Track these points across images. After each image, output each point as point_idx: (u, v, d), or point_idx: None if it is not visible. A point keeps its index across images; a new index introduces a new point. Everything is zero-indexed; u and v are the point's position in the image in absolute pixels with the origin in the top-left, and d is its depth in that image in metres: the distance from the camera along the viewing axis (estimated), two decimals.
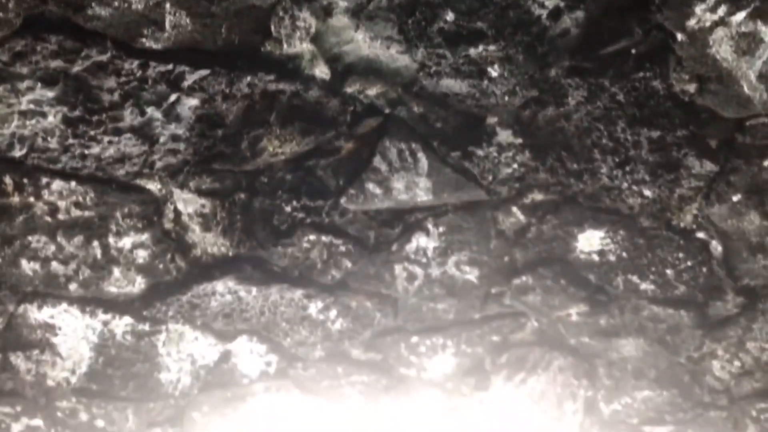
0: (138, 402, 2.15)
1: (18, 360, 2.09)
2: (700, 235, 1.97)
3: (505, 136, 1.87)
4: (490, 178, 1.93)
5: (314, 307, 2.12)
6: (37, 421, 2.13)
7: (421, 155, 1.90)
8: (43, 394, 2.12)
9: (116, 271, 2.03)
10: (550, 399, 2.18)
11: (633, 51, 1.74)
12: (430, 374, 2.20)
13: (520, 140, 1.87)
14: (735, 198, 1.89)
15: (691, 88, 1.76)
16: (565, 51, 1.75)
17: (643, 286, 2.05)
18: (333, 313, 2.14)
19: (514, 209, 1.98)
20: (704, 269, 2.02)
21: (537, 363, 2.17)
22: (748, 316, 2.06)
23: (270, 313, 2.12)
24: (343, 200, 1.95)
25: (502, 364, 2.18)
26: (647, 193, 1.91)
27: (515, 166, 1.91)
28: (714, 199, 1.90)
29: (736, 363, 2.10)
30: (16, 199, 1.87)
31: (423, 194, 1.95)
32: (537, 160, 1.89)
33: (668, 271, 2.02)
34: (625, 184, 1.90)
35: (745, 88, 1.72)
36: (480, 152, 1.89)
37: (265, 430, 2.24)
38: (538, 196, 1.96)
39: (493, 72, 1.76)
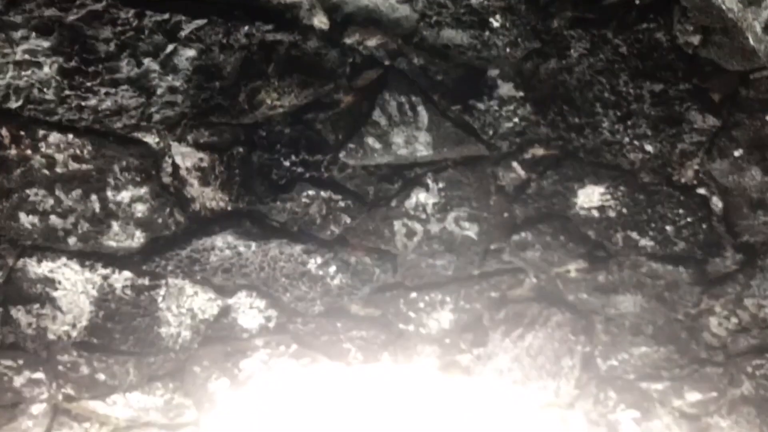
0: (138, 356, 2.16)
1: (19, 314, 2.10)
2: (701, 191, 1.97)
3: (506, 89, 1.85)
4: (491, 132, 1.91)
5: (313, 263, 2.12)
6: (39, 375, 2.14)
7: (421, 108, 1.88)
8: (44, 348, 2.13)
9: (115, 225, 2.02)
10: (548, 355, 2.20)
11: (637, 1, 1.71)
12: (428, 330, 2.21)
13: (521, 93, 1.85)
14: (737, 153, 1.87)
15: (695, 39, 1.73)
16: (568, 1, 1.72)
17: (643, 242, 2.05)
18: (332, 268, 2.14)
19: (515, 164, 1.97)
20: (704, 225, 2.02)
21: (535, 319, 2.18)
22: (747, 273, 2.06)
23: (269, 268, 2.13)
24: (342, 155, 1.93)
25: (500, 320, 2.19)
26: (648, 148, 1.89)
27: (516, 120, 1.89)
28: (716, 154, 1.89)
29: (734, 320, 2.11)
30: (13, 151, 1.85)
31: (423, 149, 1.94)
32: (538, 114, 1.88)
33: (668, 228, 2.02)
34: (627, 139, 1.89)
35: (750, 40, 1.69)
36: (481, 106, 1.87)
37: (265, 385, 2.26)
38: (539, 151, 1.94)
39: (495, 22, 1.74)
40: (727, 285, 2.09)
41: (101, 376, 2.16)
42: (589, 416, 2.22)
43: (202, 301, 2.14)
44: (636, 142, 1.89)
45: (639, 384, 2.19)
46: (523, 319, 2.18)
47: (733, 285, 2.08)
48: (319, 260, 2.12)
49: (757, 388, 2.12)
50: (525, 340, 2.20)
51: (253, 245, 2.08)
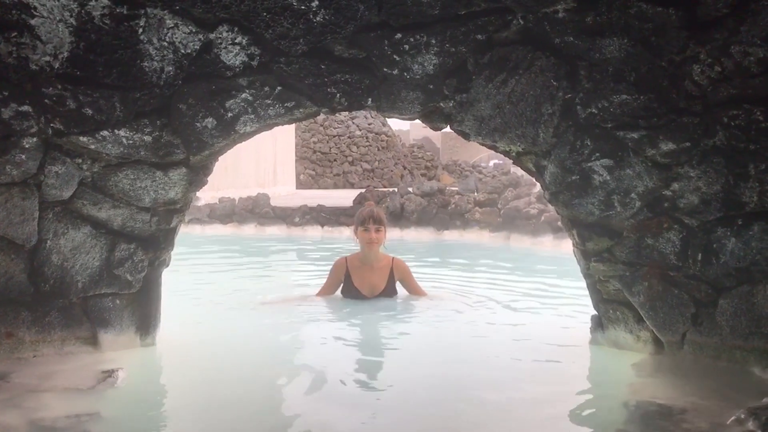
0: (123, 90, 2.16)
1: None
2: None
3: None
4: None
5: None
6: (26, 108, 2.16)
7: None
8: (29, 80, 2.13)
9: None
10: (529, 101, 2.21)
11: None
12: (412, 75, 2.21)
13: None
14: None
15: None
16: None
17: None
18: (315, 3, 2.08)
19: None
20: None
21: (519, 63, 2.17)
22: (738, 16, 2.02)
23: (250, 0, 2.07)
24: None
25: (484, 64, 2.18)
26: None
27: None
28: None
29: (717, 68, 2.10)
30: None
31: None
32: None
33: None
34: None
35: None
36: None
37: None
38: None
39: None
40: (715, 30, 2.05)
41: (88, 111, 2.18)
42: (564, 164, 2.29)
43: (183, 35, 2.11)
44: None
45: (615, 132, 2.22)
46: (507, 64, 2.17)
47: (722, 30, 2.05)
48: None
49: (730, 139, 2.16)
50: (508, 85, 2.20)
51: None
